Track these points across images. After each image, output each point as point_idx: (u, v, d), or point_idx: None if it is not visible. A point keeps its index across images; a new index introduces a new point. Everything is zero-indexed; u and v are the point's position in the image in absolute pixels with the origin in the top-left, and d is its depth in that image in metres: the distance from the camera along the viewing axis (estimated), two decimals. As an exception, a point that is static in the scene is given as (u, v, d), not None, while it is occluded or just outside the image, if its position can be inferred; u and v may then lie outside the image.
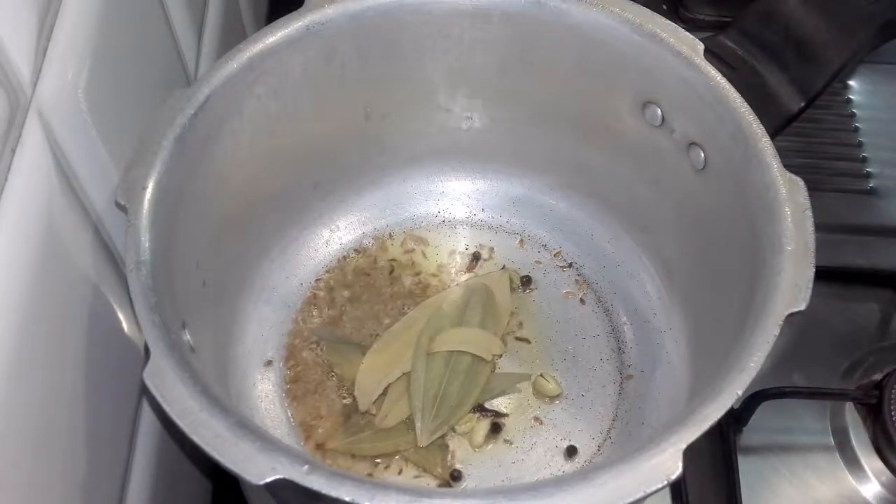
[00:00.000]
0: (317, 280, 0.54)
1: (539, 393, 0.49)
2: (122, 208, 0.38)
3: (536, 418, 0.49)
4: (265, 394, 0.49)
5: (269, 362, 0.50)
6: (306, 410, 0.49)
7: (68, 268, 0.35)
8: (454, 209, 0.57)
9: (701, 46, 0.44)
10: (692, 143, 0.45)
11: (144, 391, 0.37)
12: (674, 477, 0.31)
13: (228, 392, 0.46)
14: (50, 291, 0.33)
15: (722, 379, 0.35)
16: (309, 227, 0.54)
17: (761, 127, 0.41)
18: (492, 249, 0.55)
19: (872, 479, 0.49)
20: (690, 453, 0.32)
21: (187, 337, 0.38)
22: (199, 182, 0.42)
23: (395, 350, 0.50)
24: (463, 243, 0.56)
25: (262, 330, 0.51)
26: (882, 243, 0.59)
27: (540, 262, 0.55)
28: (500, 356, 0.51)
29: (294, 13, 0.45)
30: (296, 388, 0.49)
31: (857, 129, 0.66)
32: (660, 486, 0.31)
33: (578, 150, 0.53)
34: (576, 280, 0.54)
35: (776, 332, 0.36)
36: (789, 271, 0.37)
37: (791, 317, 0.36)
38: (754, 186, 0.41)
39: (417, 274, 0.54)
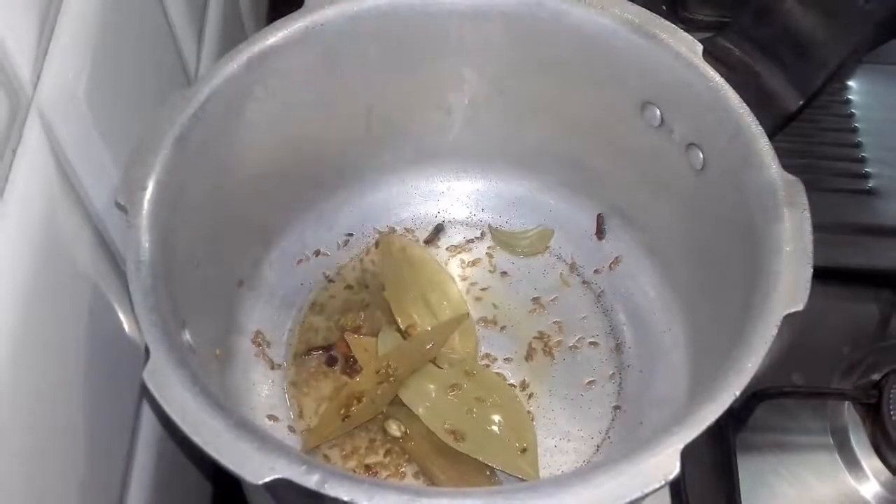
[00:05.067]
0: (317, 280, 0.54)
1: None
2: (122, 208, 0.38)
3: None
4: (265, 394, 0.49)
5: (270, 362, 0.50)
6: (307, 410, 0.49)
7: (68, 267, 0.35)
8: (454, 209, 0.57)
9: (699, 47, 0.44)
10: (691, 144, 0.45)
11: (144, 391, 0.37)
12: (671, 477, 0.32)
13: (228, 392, 0.46)
14: (50, 291, 0.33)
15: (720, 379, 0.35)
16: (309, 227, 0.54)
17: (760, 127, 0.41)
18: (492, 249, 0.56)
19: (871, 478, 0.49)
20: (690, 453, 0.32)
21: (187, 337, 0.38)
22: (199, 182, 0.42)
23: None
24: (461, 243, 0.56)
25: (262, 329, 0.51)
26: (881, 243, 0.59)
27: (540, 263, 0.55)
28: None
29: (294, 14, 0.45)
30: (296, 388, 0.50)
31: (855, 130, 0.66)
32: (658, 485, 0.31)
33: (578, 150, 0.53)
34: (575, 280, 0.54)
35: (774, 332, 0.36)
36: (787, 271, 0.37)
37: (789, 317, 0.36)
38: (753, 187, 0.41)
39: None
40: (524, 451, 0.46)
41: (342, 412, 0.47)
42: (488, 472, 0.46)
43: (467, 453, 0.46)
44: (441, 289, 0.53)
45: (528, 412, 0.49)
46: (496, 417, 0.47)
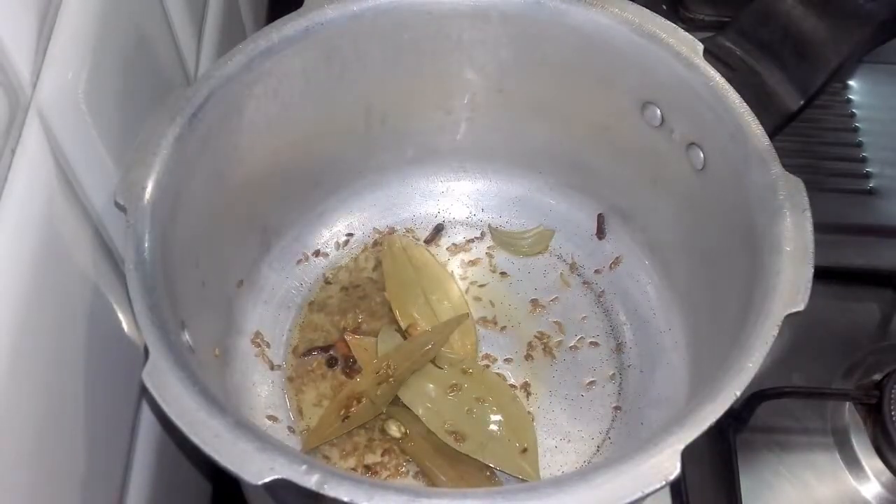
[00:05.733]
0: (317, 280, 0.54)
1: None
2: (122, 208, 0.38)
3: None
4: (265, 394, 0.49)
5: (269, 363, 0.50)
6: (307, 410, 0.49)
7: (68, 268, 0.35)
8: (454, 209, 0.57)
9: (700, 47, 0.44)
10: (691, 144, 0.45)
11: (144, 391, 0.37)
12: (672, 477, 0.32)
13: (228, 392, 0.46)
14: (50, 291, 0.33)
15: (720, 379, 0.35)
16: (309, 227, 0.55)
17: (760, 127, 0.41)
18: (492, 249, 0.56)
19: (872, 478, 0.49)
20: (690, 453, 0.32)
21: (186, 337, 0.38)
22: (199, 182, 0.42)
23: None
24: (462, 243, 0.56)
25: (262, 330, 0.51)
26: (882, 243, 0.59)
27: (540, 263, 0.55)
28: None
29: (294, 13, 0.45)
30: (296, 388, 0.49)
31: (856, 129, 0.65)
32: (658, 486, 0.31)
33: (578, 150, 0.53)
34: (575, 280, 0.54)
35: (775, 332, 0.36)
36: (788, 272, 0.37)
37: (790, 317, 0.36)
38: (753, 186, 0.41)
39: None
40: (524, 451, 0.46)
41: (342, 413, 0.47)
42: (488, 473, 0.46)
43: (467, 453, 0.46)
44: (442, 288, 0.53)
45: (529, 412, 0.49)
46: (496, 418, 0.47)
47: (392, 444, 0.47)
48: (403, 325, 0.51)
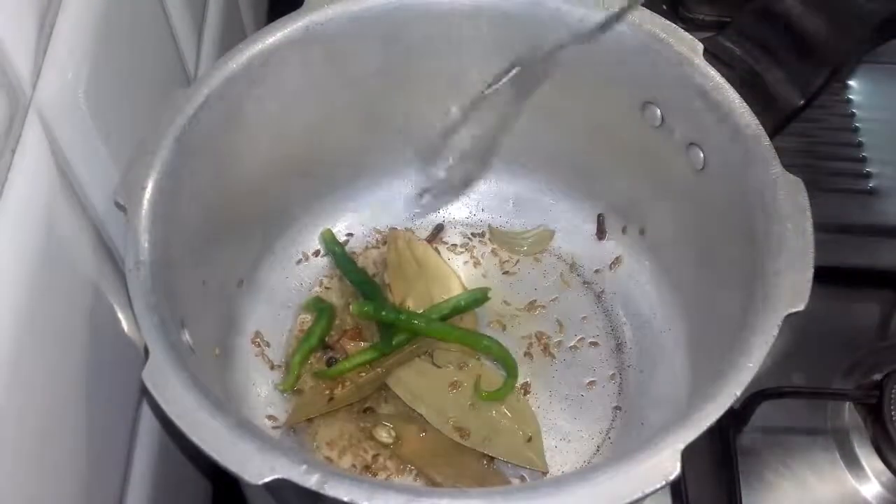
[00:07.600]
0: (317, 280, 0.54)
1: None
2: (122, 208, 0.38)
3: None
4: (264, 394, 0.49)
5: (269, 362, 0.50)
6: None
7: (68, 268, 0.35)
8: (454, 209, 0.57)
9: (700, 46, 0.44)
10: (691, 144, 0.45)
11: (144, 391, 0.37)
12: (672, 477, 0.32)
13: (227, 392, 0.46)
14: (50, 291, 0.33)
15: (720, 379, 0.35)
16: (309, 226, 0.55)
17: (760, 127, 0.41)
18: (492, 249, 0.56)
19: (872, 478, 0.49)
20: (690, 453, 0.32)
21: (186, 337, 0.38)
22: (199, 182, 0.42)
23: None
24: (462, 243, 0.56)
25: (262, 330, 0.51)
26: (882, 243, 0.59)
27: (540, 263, 0.55)
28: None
29: (294, 13, 0.45)
30: (295, 388, 0.49)
31: (856, 129, 0.66)
32: (658, 486, 0.31)
33: (578, 150, 0.53)
34: (575, 280, 0.54)
35: (775, 332, 0.36)
36: (788, 272, 0.37)
37: (790, 317, 0.36)
38: (753, 186, 0.41)
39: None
40: (529, 440, 0.46)
41: (327, 393, 0.47)
42: (485, 462, 0.46)
43: (474, 447, 0.46)
44: (445, 286, 0.53)
45: (529, 408, 0.49)
46: (498, 409, 0.47)
47: (383, 449, 0.47)
48: (396, 301, 0.51)
